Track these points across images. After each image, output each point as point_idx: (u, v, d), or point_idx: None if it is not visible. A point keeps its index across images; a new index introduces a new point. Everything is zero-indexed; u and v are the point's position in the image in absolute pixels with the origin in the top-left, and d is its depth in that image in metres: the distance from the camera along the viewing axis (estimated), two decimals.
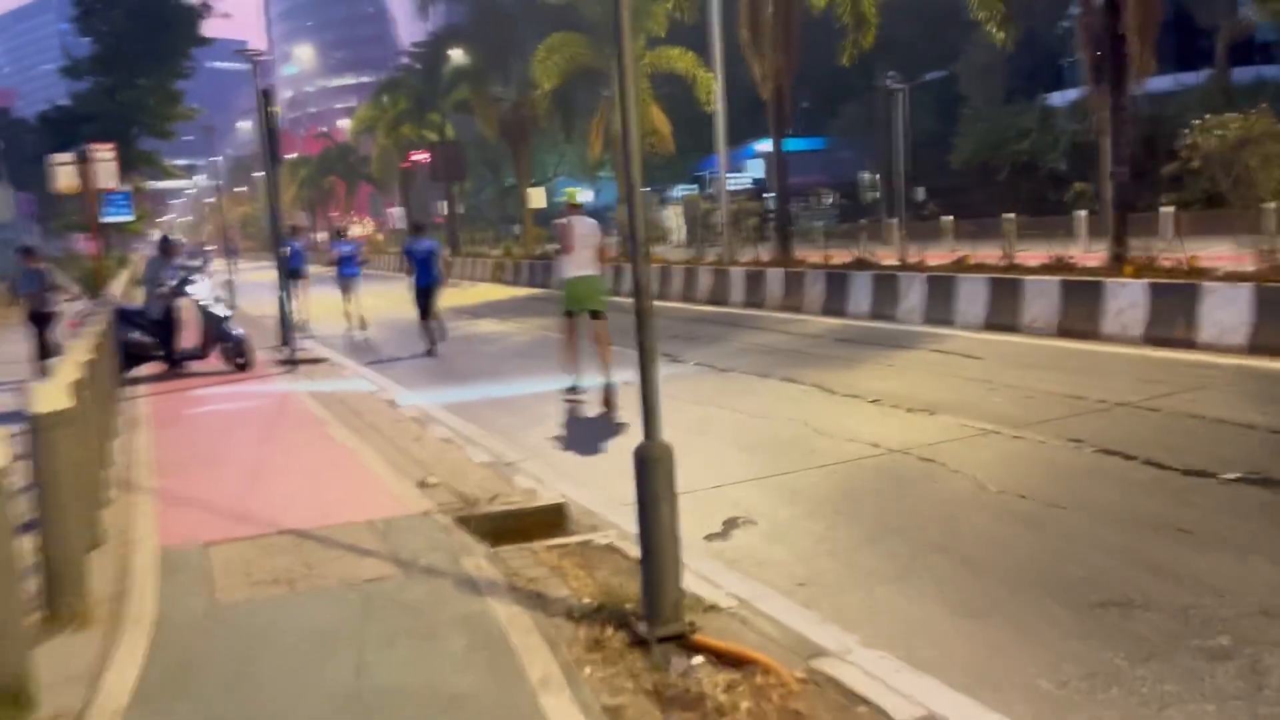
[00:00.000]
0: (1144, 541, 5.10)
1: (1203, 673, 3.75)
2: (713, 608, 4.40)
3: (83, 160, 18.08)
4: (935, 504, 5.96)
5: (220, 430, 9.35)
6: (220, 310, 12.69)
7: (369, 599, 4.70)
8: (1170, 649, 3.94)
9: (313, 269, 22.75)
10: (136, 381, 12.08)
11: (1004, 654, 4.05)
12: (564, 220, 9.86)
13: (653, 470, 3.99)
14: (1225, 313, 9.97)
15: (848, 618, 4.42)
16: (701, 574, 4.86)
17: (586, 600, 4.48)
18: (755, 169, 43.05)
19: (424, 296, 14.35)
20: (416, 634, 4.27)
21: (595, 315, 9.83)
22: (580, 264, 9.74)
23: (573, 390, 9.90)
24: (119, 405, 10.23)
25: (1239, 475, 5.94)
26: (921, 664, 3.95)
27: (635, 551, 4.91)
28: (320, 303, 20.15)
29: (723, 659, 3.85)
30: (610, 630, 4.14)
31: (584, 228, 9.74)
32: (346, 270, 18.17)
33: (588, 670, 3.86)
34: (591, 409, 9.53)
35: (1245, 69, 31.99)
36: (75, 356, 6.10)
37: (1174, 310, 10.45)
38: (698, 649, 3.92)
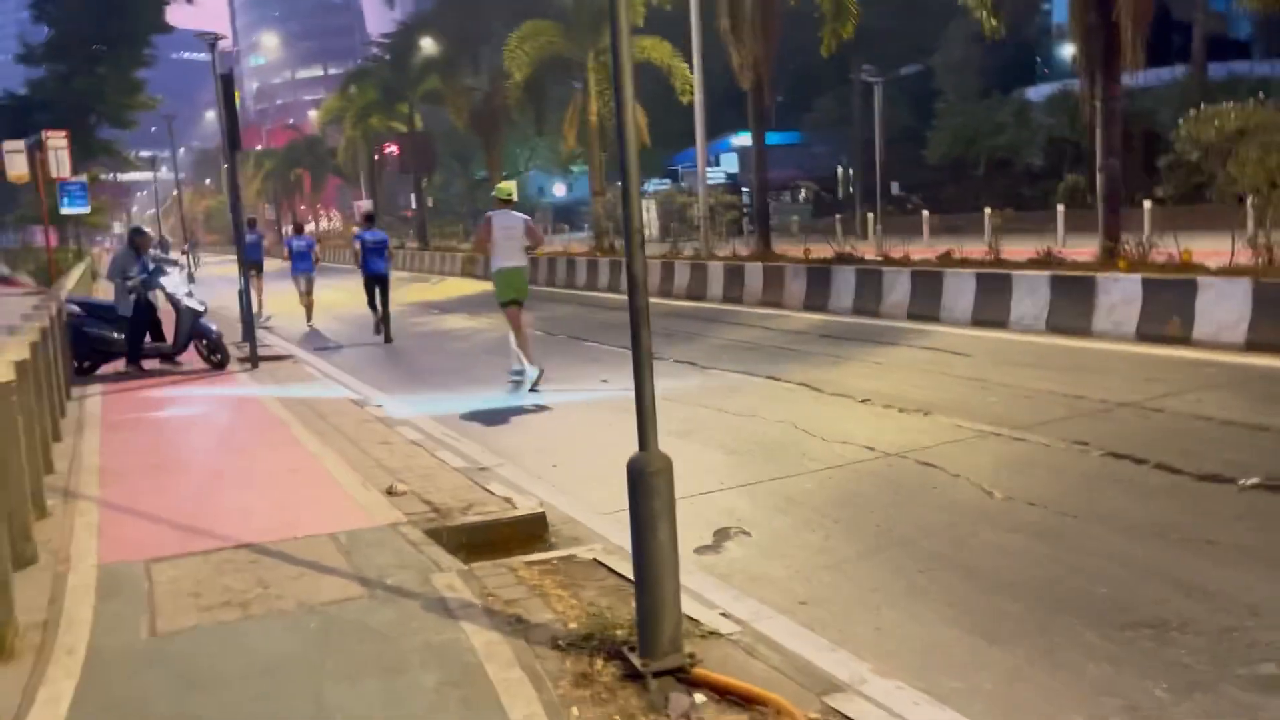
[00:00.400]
0: (1167, 554, 4.76)
1: (1255, 706, 3.41)
2: (712, 633, 3.98)
3: (36, 148, 17.34)
4: (938, 512, 5.59)
5: (174, 433, 8.81)
6: (195, 305, 12.12)
7: (329, 624, 4.25)
8: (1214, 678, 3.60)
9: (271, 262, 22.37)
10: (90, 380, 11.48)
11: (1030, 683, 3.68)
12: (487, 215, 10.25)
13: (650, 485, 3.55)
14: (1222, 309, 9.69)
15: (857, 642, 4.04)
16: (694, 591, 4.45)
17: (573, 626, 4.03)
18: (729, 163, 42.71)
19: (373, 283, 15.15)
20: (383, 667, 3.82)
21: (517, 304, 10.14)
22: (509, 255, 10.09)
23: (540, 376, 9.93)
24: (67, 406, 9.65)
25: (1258, 481, 5.61)
26: (942, 695, 3.58)
27: (623, 567, 4.51)
28: (278, 296, 19.78)
29: (728, 696, 3.43)
30: (600, 662, 3.70)
31: (507, 220, 10.07)
32: (300, 265, 18.10)
33: (575, 711, 3.42)
34: (572, 409, 9.16)
35: (1219, 65, 32.05)
36: (8, 355, 5.57)
37: (1169, 306, 10.17)
38: (700, 685, 3.50)
